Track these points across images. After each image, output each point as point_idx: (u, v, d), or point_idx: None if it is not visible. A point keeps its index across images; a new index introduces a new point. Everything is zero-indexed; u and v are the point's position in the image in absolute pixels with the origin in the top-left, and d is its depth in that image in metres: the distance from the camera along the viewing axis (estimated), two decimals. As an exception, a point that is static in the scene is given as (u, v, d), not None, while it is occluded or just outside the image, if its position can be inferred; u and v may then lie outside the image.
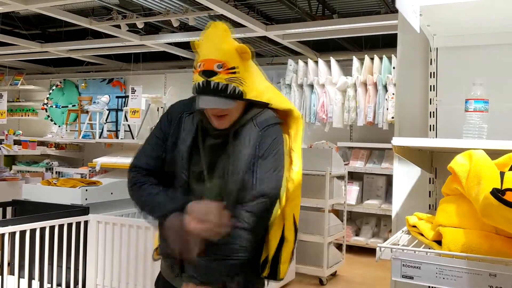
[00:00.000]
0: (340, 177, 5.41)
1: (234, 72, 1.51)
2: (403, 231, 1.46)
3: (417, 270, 1.11)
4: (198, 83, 1.51)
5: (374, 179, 6.40)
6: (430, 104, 1.90)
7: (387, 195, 6.20)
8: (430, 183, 1.92)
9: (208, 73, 1.50)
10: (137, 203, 1.65)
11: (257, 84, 1.61)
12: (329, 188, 4.86)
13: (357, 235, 6.32)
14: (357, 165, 6.38)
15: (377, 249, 1.20)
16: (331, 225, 4.97)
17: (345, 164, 5.63)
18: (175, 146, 1.64)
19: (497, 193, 1.00)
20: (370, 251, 6.06)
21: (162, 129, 1.69)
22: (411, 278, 1.12)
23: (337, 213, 5.80)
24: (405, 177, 2.02)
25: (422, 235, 1.31)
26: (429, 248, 1.20)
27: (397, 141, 1.42)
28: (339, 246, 5.45)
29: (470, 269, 1.06)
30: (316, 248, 4.88)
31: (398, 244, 1.25)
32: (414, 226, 1.38)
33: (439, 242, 1.20)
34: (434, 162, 1.89)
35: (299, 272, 4.89)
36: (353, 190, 6.34)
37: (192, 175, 1.61)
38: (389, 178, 6.19)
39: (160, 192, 1.61)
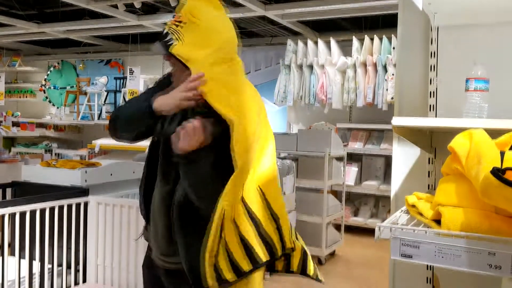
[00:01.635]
0: (339, 158, 5.41)
1: (180, 26, 1.51)
2: (402, 211, 1.46)
3: (416, 249, 1.12)
4: None
5: (373, 160, 6.41)
6: (430, 84, 1.88)
7: (386, 176, 6.22)
8: (429, 163, 1.92)
9: None
10: (117, 113, 1.65)
11: (195, 52, 1.52)
12: (328, 169, 4.87)
13: (355, 215, 6.36)
14: (356, 146, 6.39)
15: (376, 228, 1.21)
16: (330, 206, 4.99)
17: (344, 145, 5.64)
18: None
19: (497, 172, 0.99)
20: (368, 232, 6.10)
21: (159, 80, 1.77)
22: (410, 257, 1.13)
23: (336, 194, 5.83)
24: (404, 157, 2.02)
25: (421, 214, 1.31)
26: (428, 227, 1.20)
27: (397, 121, 1.42)
28: (337, 227, 5.49)
29: (469, 247, 1.06)
30: (315, 228, 4.92)
31: (397, 224, 1.26)
32: (413, 206, 1.38)
33: (438, 222, 1.21)
34: (434, 142, 1.88)
35: (298, 252, 4.93)
36: (352, 171, 6.35)
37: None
38: (388, 159, 6.20)
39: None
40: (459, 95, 1.72)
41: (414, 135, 1.71)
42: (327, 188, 4.90)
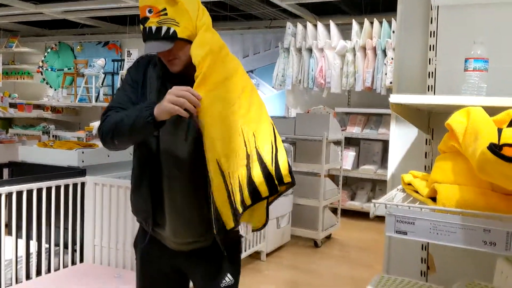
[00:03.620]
0: (337, 143, 5.41)
1: (165, 14, 1.52)
2: (398, 189, 1.46)
3: (411, 225, 1.12)
4: (141, 31, 1.57)
5: (370, 144, 6.42)
6: (429, 64, 1.87)
7: (383, 161, 6.23)
8: (426, 144, 1.92)
9: (143, 20, 1.54)
10: (111, 126, 1.58)
11: (194, 23, 1.56)
12: (325, 153, 4.87)
13: (352, 199, 6.38)
14: (354, 130, 6.38)
15: (372, 205, 1.20)
16: (327, 190, 5.01)
17: (342, 130, 5.64)
18: (143, 95, 1.65)
19: (494, 148, 0.98)
20: (365, 216, 6.13)
21: (132, 78, 1.69)
22: (404, 233, 1.13)
23: (333, 178, 5.84)
24: (402, 138, 2.01)
25: (417, 192, 1.31)
26: (424, 205, 1.20)
27: (395, 98, 1.40)
28: (334, 210, 5.51)
29: (464, 224, 1.06)
30: (311, 212, 4.94)
31: (393, 201, 1.25)
32: (409, 184, 1.37)
33: (434, 199, 1.20)
34: (431, 123, 1.87)
35: (295, 235, 4.96)
36: (350, 155, 6.36)
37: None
38: (385, 144, 6.20)
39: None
40: (458, 76, 1.71)
41: (412, 115, 1.70)
42: (324, 172, 4.91)
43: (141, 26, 1.56)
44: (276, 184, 1.59)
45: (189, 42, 1.54)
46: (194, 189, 1.62)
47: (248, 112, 1.58)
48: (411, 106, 1.55)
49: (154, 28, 1.51)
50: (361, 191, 6.44)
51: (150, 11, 1.52)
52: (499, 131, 1.10)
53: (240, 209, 1.52)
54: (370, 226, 5.86)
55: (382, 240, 2.17)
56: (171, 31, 1.51)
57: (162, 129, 1.57)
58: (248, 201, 1.54)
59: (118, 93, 1.70)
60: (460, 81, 1.65)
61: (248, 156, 1.54)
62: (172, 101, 1.44)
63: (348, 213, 6.25)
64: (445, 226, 1.08)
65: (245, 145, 1.54)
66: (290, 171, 1.64)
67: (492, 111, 1.25)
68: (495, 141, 1.05)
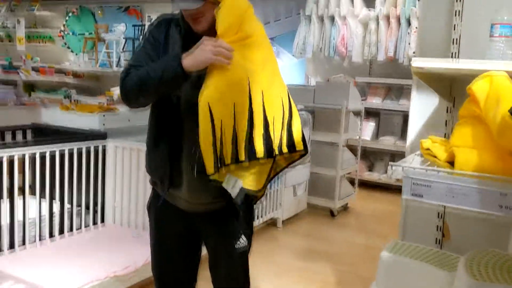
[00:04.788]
0: (357, 113, 5.37)
1: None
2: (416, 154, 1.46)
3: (428, 188, 1.12)
4: None
5: (390, 116, 6.35)
6: (454, 30, 1.83)
7: (403, 133, 6.17)
8: (447, 112, 1.89)
9: None
10: (135, 82, 1.56)
11: None
12: (344, 122, 4.85)
13: (370, 170, 6.37)
14: (375, 101, 6.31)
15: (389, 167, 1.21)
16: (345, 159, 5.00)
17: (362, 100, 5.58)
18: (165, 55, 1.63)
19: (516, 112, 0.98)
20: (382, 187, 6.13)
21: (154, 36, 1.66)
22: (420, 196, 1.13)
23: (351, 148, 5.82)
24: (423, 105, 1.99)
25: (435, 157, 1.31)
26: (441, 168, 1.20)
27: (417, 62, 1.38)
28: (351, 181, 5.52)
29: (481, 188, 1.06)
30: (328, 181, 4.95)
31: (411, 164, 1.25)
32: (428, 149, 1.37)
33: (452, 164, 1.20)
34: (453, 91, 1.85)
35: (311, 203, 5.00)
36: (369, 126, 6.31)
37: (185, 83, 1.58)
38: (406, 116, 6.11)
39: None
40: (482, 43, 1.67)
41: (434, 82, 1.68)
42: (342, 142, 4.89)
43: None
44: (273, 148, 1.56)
45: (216, 2, 1.53)
46: None
47: (262, 71, 1.56)
48: (434, 72, 1.53)
49: None
50: (379, 162, 6.41)
51: None
52: (522, 96, 1.09)
53: (228, 160, 1.52)
54: (387, 198, 5.86)
55: (399, 211, 2.18)
56: None
57: (184, 85, 1.58)
58: (242, 157, 1.53)
59: (139, 51, 1.67)
60: (484, 49, 1.62)
61: (251, 112, 1.52)
62: (214, 52, 1.45)
63: (366, 184, 6.25)
64: (462, 189, 1.08)
65: (250, 100, 1.52)
66: (304, 140, 1.63)
67: (516, 77, 1.23)
68: (517, 106, 1.04)
